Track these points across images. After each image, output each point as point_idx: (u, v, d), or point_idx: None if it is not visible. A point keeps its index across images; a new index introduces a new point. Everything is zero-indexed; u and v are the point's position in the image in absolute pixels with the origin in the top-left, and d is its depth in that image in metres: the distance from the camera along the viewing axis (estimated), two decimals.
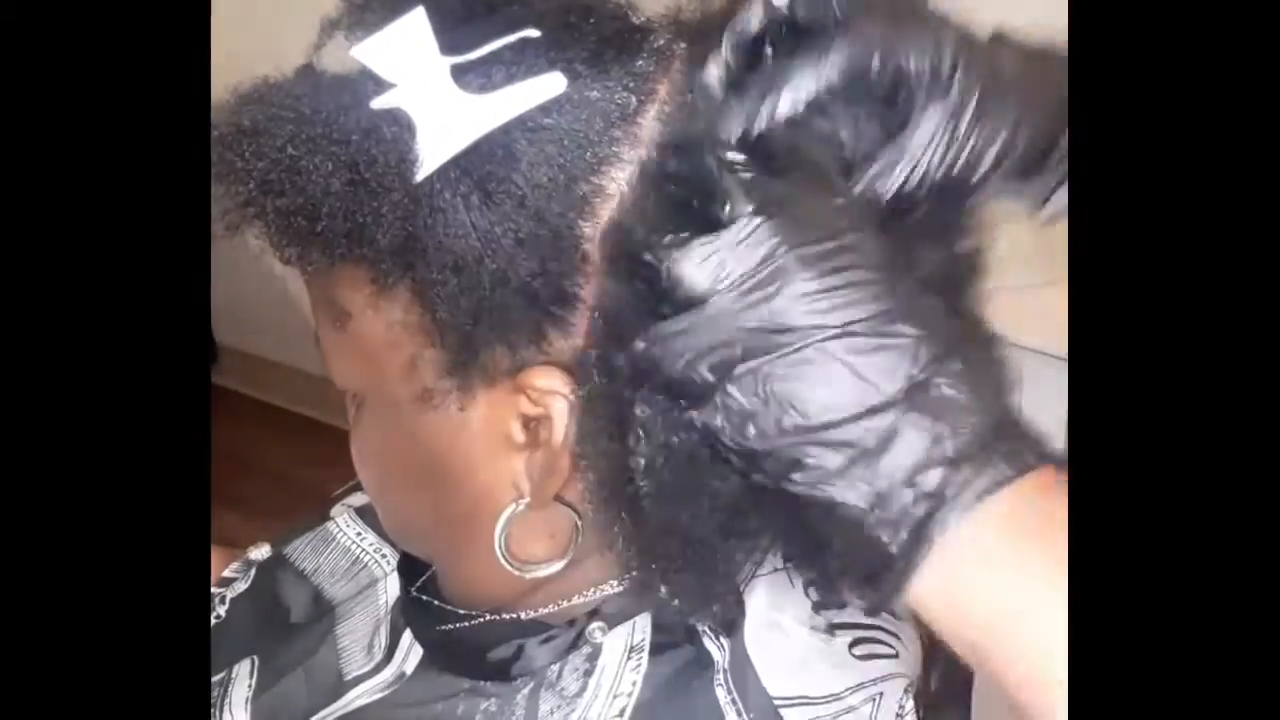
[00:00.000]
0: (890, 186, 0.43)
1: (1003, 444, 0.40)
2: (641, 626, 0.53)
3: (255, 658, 0.65)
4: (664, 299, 0.41)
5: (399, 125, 0.43)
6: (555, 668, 0.53)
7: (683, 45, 0.46)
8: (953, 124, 0.42)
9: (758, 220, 0.39)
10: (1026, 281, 1.37)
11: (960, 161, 0.43)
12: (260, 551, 0.72)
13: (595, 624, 0.53)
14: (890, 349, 0.39)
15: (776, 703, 0.53)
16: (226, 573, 0.73)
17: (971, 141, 0.43)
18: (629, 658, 0.53)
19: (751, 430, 0.40)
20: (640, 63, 0.45)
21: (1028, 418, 0.43)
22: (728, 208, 0.40)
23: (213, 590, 0.71)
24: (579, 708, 0.52)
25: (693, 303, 0.40)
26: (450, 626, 0.57)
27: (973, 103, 0.42)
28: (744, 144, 0.42)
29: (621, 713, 0.51)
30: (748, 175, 0.40)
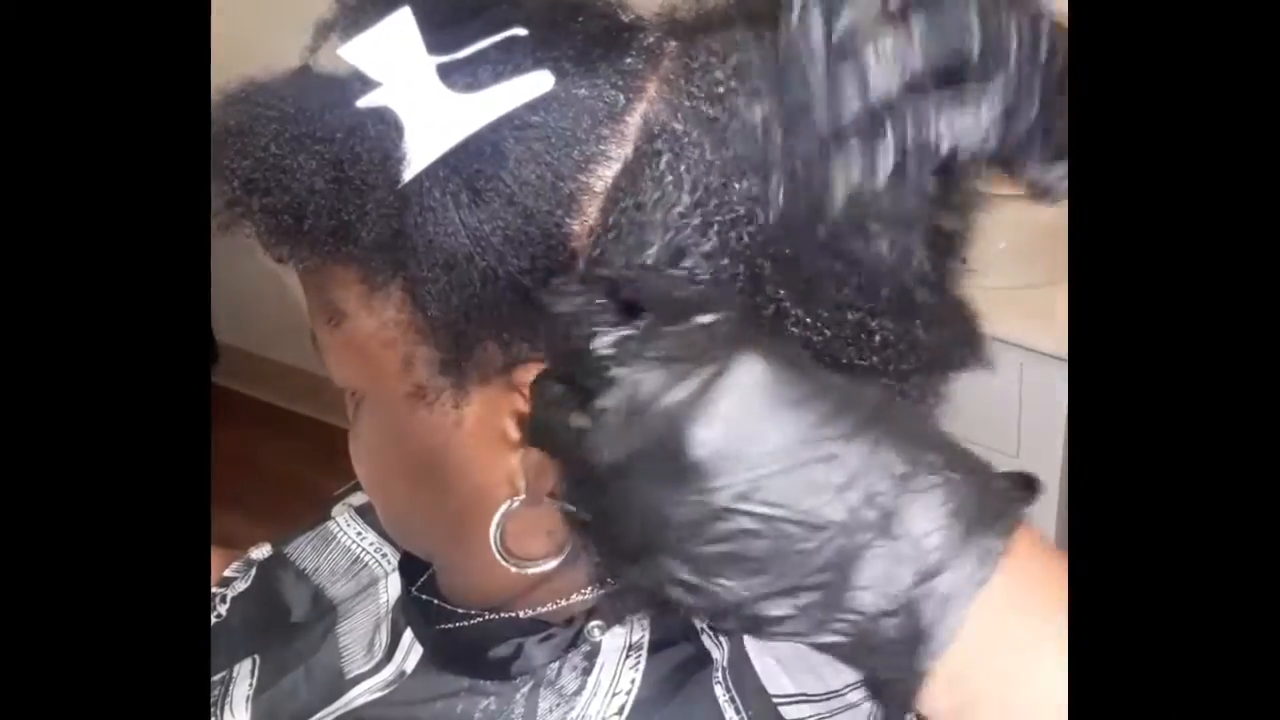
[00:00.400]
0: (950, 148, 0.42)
1: (969, 535, 0.38)
2: (640, 624, 0.53)
3: (256, 657, 0.66)
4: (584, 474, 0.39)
5: (384, 123, 0.43)
6: (554, 666, 0.53)
7: (673, 43, 0.46)
8: (1015, 102, 0.41)
9: (628, 394, 0.38)
10: (1026, 281, 1.38)
11: (1012, 137, 0.42)
12: (261, 551, 0.72)
13: (594, 622, 0.53)
14: (821, 474, 0.37)
15: (775, 700, 0.53)
16: (227, 572, 0.73)
17: (1025, 121, 0.42)
18: (627, 656, 0.53)
19: (701, 602, 0.39)
20: (629, 60, 0.45)
21: (993, 471, 0.40)
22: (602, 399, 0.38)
23: (213, 590, 0.71)
24: (578, 706, 0.52)
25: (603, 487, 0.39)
26: (450, 625, 0.57)
27: (1037, 83, 0.41)
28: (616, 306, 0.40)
29: (620, 710, 0.51)
30: (611, 367, 0.38)
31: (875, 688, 0.40)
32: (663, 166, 0.43)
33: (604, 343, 0.39)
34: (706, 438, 0.37)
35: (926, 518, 0.38)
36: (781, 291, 0.45)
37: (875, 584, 0.38)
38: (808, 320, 0.46)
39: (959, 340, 0.49)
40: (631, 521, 0.39)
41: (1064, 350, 1.20)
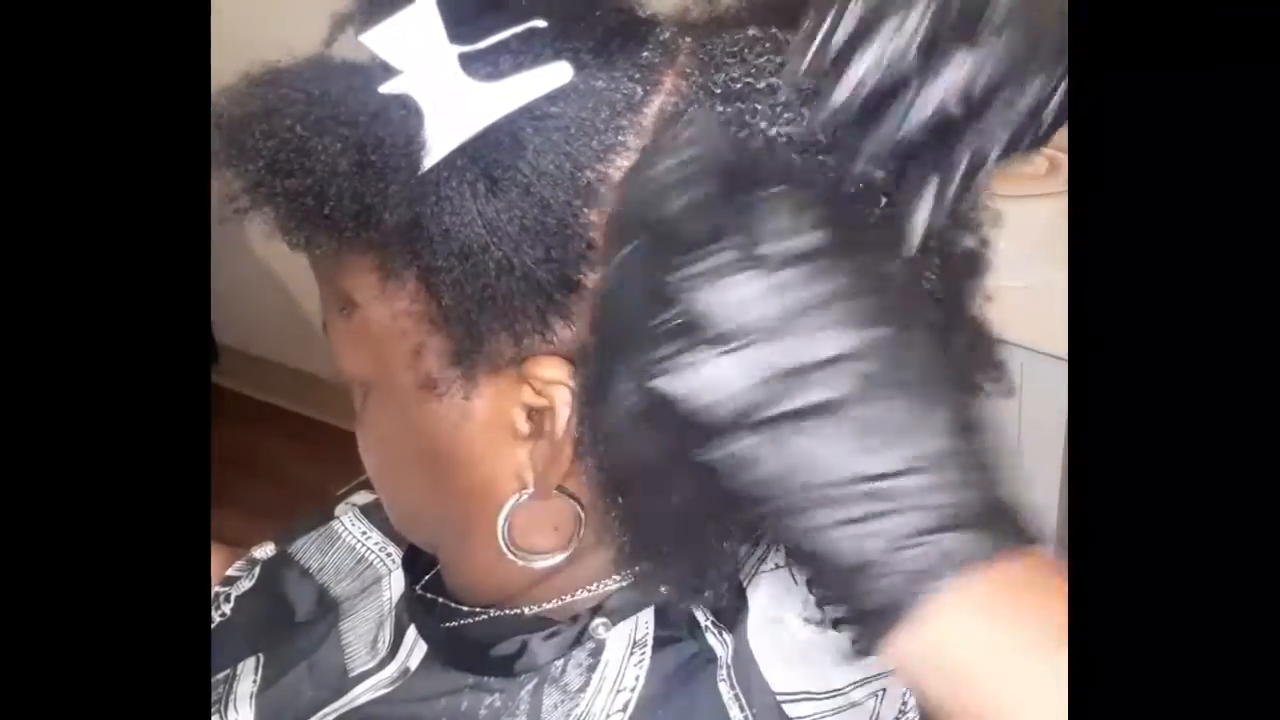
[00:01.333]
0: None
1: (998, 522, 0.40)
2: (645, 621, 0.53)
3: (260, 654, 0.66)
4: (677, 332, 0.40)
5: (407, 109, 0.44)
6: (559, 663, 0.53)
7: (688, 39, 0.46)
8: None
9: (801, 262, 0.39)
10: (1026, 281, 1.38)
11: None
12: (265, 550, 0.72)
13: (599, 620, 0.53)
14: (903, 421, 0.39)
15: (779, 698, 0.53)
16: (231, 571, 0.73)
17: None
18: (632, 653, 0.53)
19: (752, 478, 0.40)
20: (646, 54, 0.46)
21: (1025, 502, 0.43)
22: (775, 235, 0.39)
23: (217, 589, 0.71)
24: (582, 703, 0.52)
25: (719, 339, 0.39)
26: (454, 623, 0.57)
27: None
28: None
29: (625, 707, 0.51)
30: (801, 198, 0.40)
31: (854, 614, 0.41)
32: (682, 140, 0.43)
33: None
34: (839, 340, 0.39)
35: (971, 486, 0.40)
36: None
37: (907, 517, 0.39)
38: None
39: (981, 363, 0.49)
40: (733, 378, 0.39)
41: (1064, 350, 1.20)
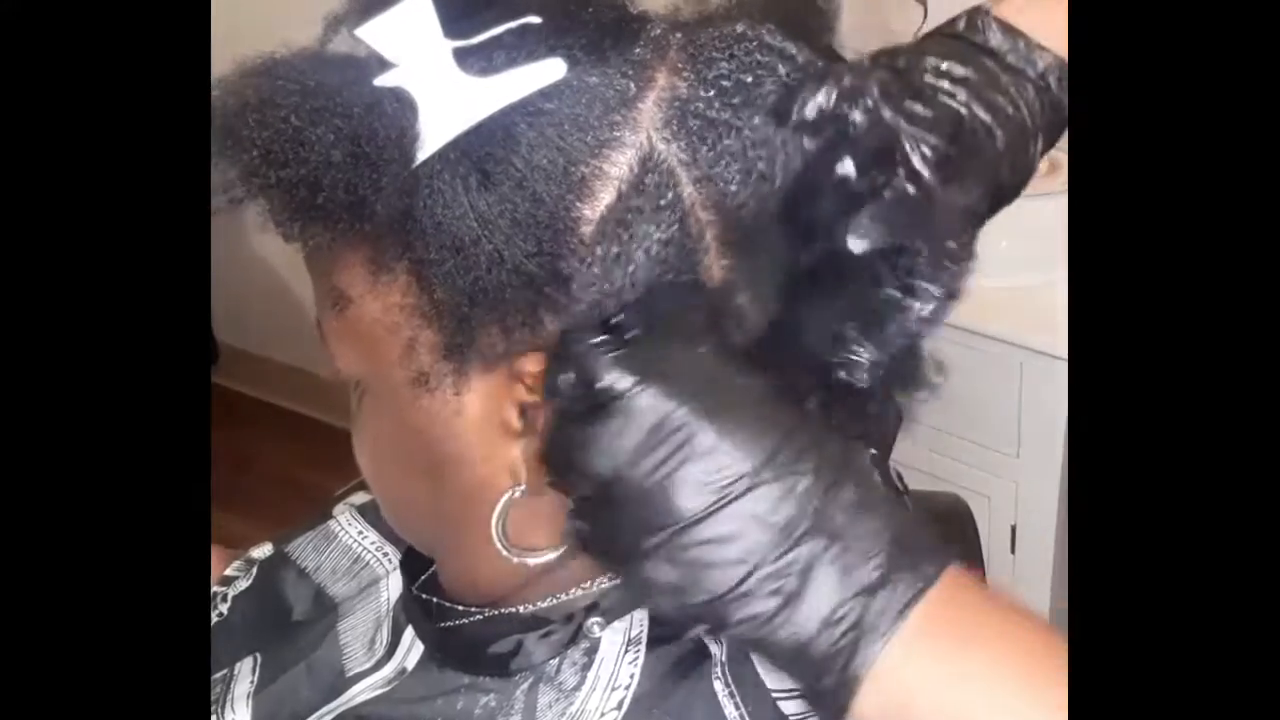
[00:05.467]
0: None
1: (905, 559, 0.42)
2: (639, 620, 0.53)
3: (257, 655, 0.66)
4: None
5: (401, 102, 0.44)
6: (554, 662, 0.53)
7: (679, 35, 0.47)
8: None
9: (639, 390, 0.43)
10: (1026, 281, 1.38)
11: None
12: (262, 550, 0.73)
13: (593, 618, 0.53)
14: (791, 491, 0.42)
15: (774, 695, 0.53)
16: (228, 571, 0.73)
17: None
18: (627, 651, 0.53)
19: (674, 601, 0.43)
20: (638, 50, 0.47)
21: (925, 526, 0.45)
22: (607, 384, 0.43)
23: (215, 588, 0.72)
24: (577, 701, 0.52)
25: (598, 483, 0.43)
26: (450, 623, 0.57)
27: None
28: (605, 324, 0.45)
29: (619, 705, 0.52)
30: (615, 353, 0.44)
31: (813, 695, 0.44)
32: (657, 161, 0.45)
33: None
34: (713, 434, 0.42)
35: (873, 539, 0.42)
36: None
37: (825, 593, 0.42)
38: (805, 327, 0.47)
39: (921, 366, 0.51)
40: (628, 526, 0.43)
41: (1064, 350, 1.19)
